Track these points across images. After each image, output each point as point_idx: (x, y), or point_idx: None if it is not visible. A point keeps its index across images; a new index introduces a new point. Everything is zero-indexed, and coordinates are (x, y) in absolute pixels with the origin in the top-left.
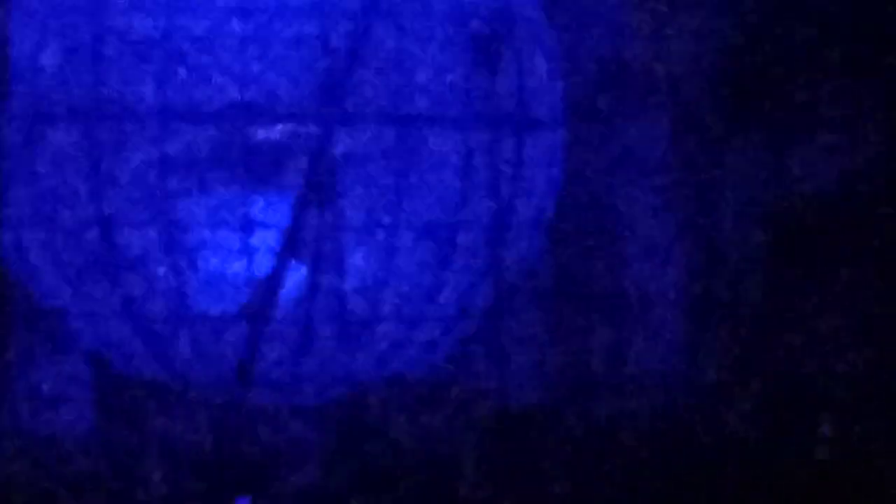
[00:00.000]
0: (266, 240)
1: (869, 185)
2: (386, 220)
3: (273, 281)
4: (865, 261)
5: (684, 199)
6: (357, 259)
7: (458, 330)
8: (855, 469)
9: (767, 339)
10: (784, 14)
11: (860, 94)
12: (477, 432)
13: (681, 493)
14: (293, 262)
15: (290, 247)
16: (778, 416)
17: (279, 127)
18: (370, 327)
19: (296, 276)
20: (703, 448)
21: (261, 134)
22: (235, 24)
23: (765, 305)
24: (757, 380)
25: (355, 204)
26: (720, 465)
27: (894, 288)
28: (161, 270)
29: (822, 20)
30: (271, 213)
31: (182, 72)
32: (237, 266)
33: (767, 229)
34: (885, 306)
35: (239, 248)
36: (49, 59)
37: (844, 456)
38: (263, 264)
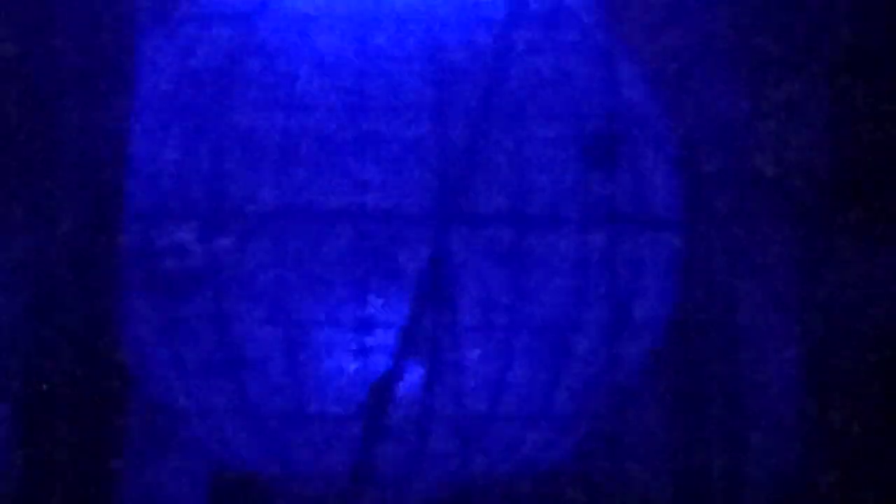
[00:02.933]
0: (383, 339)
1: None
2: (502, 320)
3: (389, 380)
4: None
5: (801, 300)
6: (473, 359)
7: (575, 431)
8: None
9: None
10: None
11: None
12: None
13: None
14: (410, 362)
15: (407, 346)
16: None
17: (395, 227)
18: (486, 427)
19: (412, 375)
20: None
21: (379, 233)
22: (353, 123)
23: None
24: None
25: (472, 304)
26: None
27: None
28: (279, 369)
29: None
30: (389, 313)
31: (300, 172)
32: (354, 365)
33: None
34: None
35: (356, 348)
36: (168, 157)
37: None
38: (380, 364)
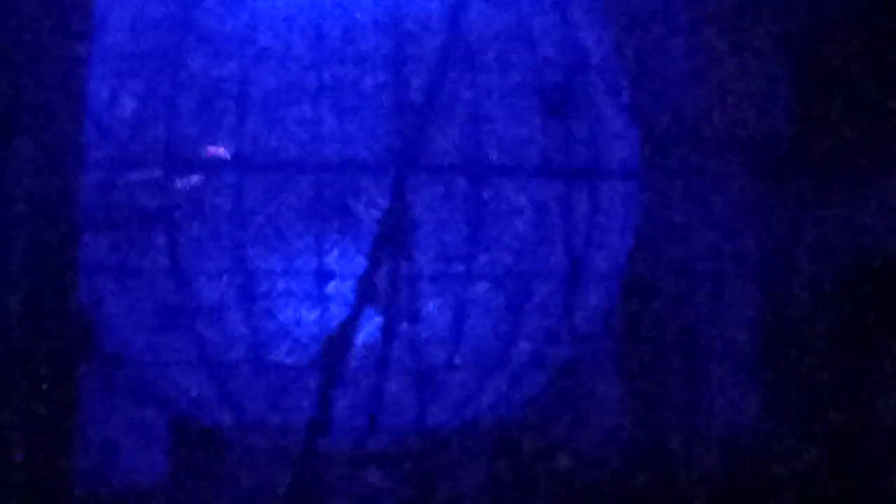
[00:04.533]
0: (340, 289)
1: None
2: (460, 270)
3: (347, 330)
4: None
5: (760, 252)
6: (431, 308)
7: (532, 381)
8: None
9: (834, 400)
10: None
11: None
12: (549, 484)
13: None
14: (367, 311)
15: (364, 296)
16: (852, 470)
17: (352, 177)
18: (443, 377)
19: (370, 325)
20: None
21: (334, 184)
22: (310, 74)
23: (831, 366)
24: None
25: (429, 254)
26: None
27: None
28: (235, 319)
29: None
30: (346, 263)
31: (256, 121)
32: (311, 315)
33: (843, 288)
34: None
35: (313, 298)
36: (124, 108)
37: None
38: (337, 313)
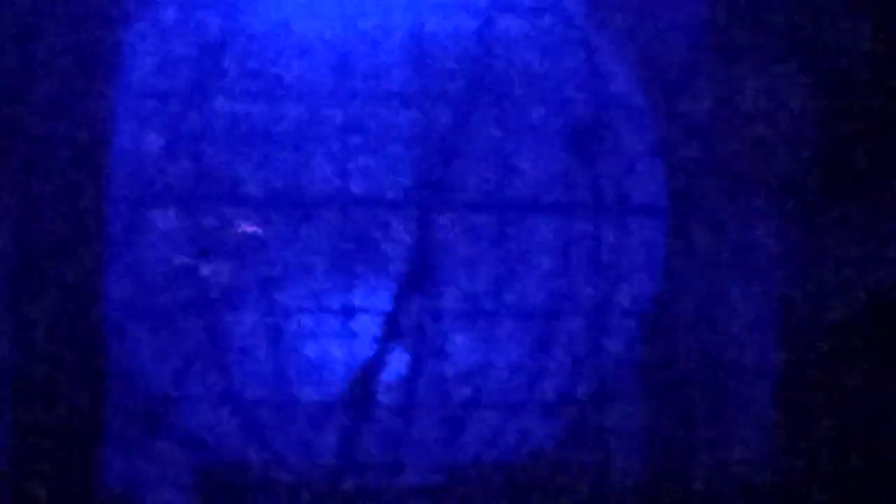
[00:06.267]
0: (368, 326)
1: None
2: (486, 307)
3: (374, 367)
4: None
5: (786, 286)
6: (458, 345)
7: (560, 417)
8: None
9: (863, 421)
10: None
11: None
12: None
13: None
14: (394, 348)
15: (392, 333)
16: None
17: (379, 213)
18: (471, 413)
19: (397, 362)
20: None
21: (361, 220)
22: (336, 111)
23: (863, 389)
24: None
25: (456, 291)
26: None
27: None
28: (264, 356)
29: None
30: (373, 300)
31: (284, 158)
32: (338, 352)
33: (867, 312)
34: None
35: (341, 335)
36: (152, 143)
37: None
38: (365, 350)
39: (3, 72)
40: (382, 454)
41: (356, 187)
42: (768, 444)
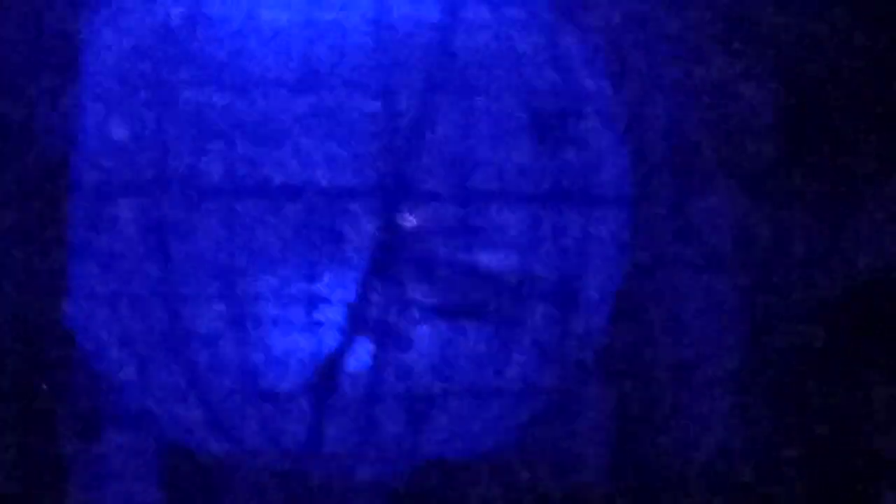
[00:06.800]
0: (332, 316)
1: None
2: (451, 296)
3: (338, 357)
4: None
5: (748, 278)
6: (422, 335)
7: (525, 407)
8: None
9: (816, 417)
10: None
11: None
12: None
13: None
14: (359, 338)
15: (356, 323)
16: (834, 492)
17: (343, 203)
18: (435, 403)
19: (361, 352)
20: None
21: (325, 210)
22: (300, 100)
23: (821, 385)
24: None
25: (420, 280)
26: None
27: None
28: (227, 346)
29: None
30: (337, 289)
31: (246, 147)
32: (302, 342)
33: (828, 310)
34: None
35: (305, 325)
36: (115, 133)
37: None
38: (329, 340)
39: None
40: (347, 446)
41: (319, 177)
42: (735, 437)
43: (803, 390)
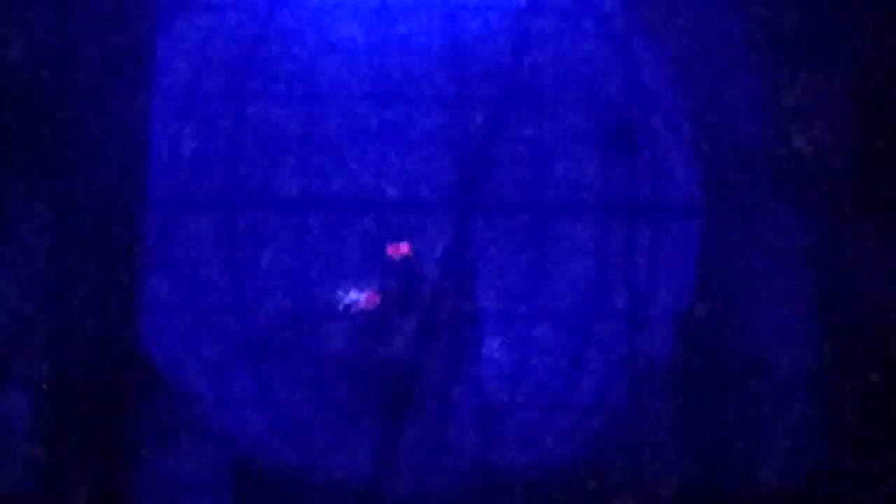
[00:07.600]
0: (404, 328)
1: None
2: (522, 309)
3: (411, 370)
4: None
5: (818, 288)
6: (494, 348)
7: (594, 421)
8: None
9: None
10: None
11: None
12: None
13: None
14: (431, 350)
15: (428, 335)
16: None
17: (415, 216)
18: (506, 417)
19: (433, 364)
20: None
21: (397, 223)
22: (372, 113)
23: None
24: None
25: (492, 293)
26: None
27: None
28: (300, 359)
29: None
30: (407, 301)
31: (319, 161)
32: (375, 353)
33: None
34: None
35: (376, 336)
36: (187, 146)
37: None
38: (401, 352)
39: (38, 75)
40: (418, 458)
41: (392, 190)
42: (803, 450)
43: (870, 412)
